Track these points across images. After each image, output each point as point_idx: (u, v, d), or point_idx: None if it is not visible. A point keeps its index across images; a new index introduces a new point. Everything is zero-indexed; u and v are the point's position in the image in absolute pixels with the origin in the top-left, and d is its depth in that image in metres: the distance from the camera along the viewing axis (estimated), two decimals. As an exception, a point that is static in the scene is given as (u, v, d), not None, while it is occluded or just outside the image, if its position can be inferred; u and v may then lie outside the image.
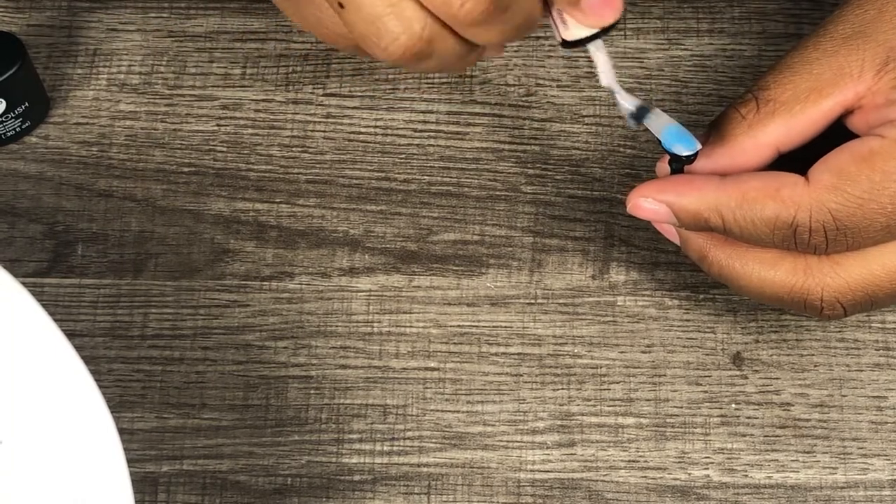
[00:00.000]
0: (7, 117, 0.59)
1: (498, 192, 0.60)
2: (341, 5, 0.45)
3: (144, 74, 0.62)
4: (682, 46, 0.63)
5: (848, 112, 0.50)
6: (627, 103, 0.51)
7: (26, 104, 0.59)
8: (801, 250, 0.49)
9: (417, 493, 0.54)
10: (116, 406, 0.56)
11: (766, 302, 0.53)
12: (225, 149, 0.61)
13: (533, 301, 0.58)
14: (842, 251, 0.49)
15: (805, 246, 0.49)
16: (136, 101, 0.62)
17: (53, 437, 0.46)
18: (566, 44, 0.48)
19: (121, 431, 0.55)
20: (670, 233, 0.52)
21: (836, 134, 0.50)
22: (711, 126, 0.51)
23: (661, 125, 0.50)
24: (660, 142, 0.50)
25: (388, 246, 0.59)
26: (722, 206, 0.49)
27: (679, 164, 0.51)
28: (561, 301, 0.57)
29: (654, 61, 0.62)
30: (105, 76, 0.62)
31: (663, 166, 0.52)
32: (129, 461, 0.54)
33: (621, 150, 0.61)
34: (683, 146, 0.50)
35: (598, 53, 0.49)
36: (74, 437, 0.45)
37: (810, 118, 0.50)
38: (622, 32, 0.63)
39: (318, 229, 0.59)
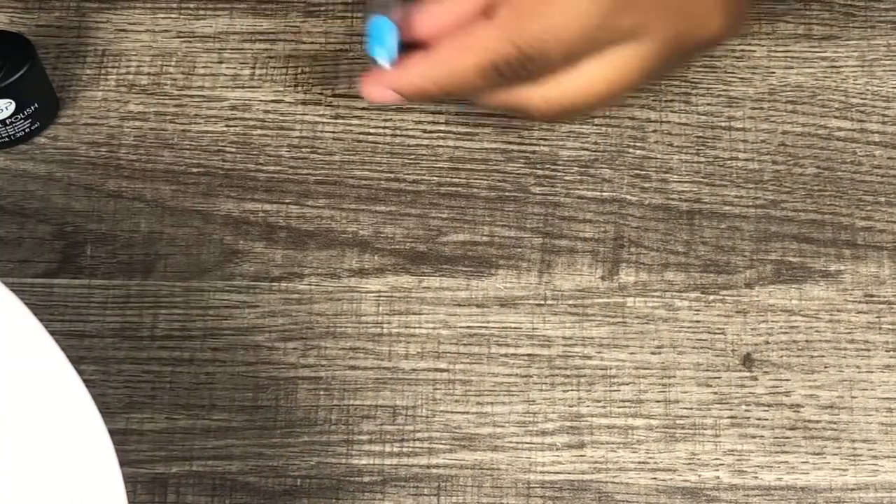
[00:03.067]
0: (16, 118, 0.59)
1: (507, 193, 0.60)
2: None
3: (153, 75, 0.62)
4: (692, 47, 0.63)
5: None
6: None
7: (36, 105, 0.59)
8: (507, 84, 0.55)
9: (427, 495, 0.54)
10: (126, 407, 0.56)
11: (493, 108, 0.59)
12: (234, 149, 0.60)
13: (542, 302, 0.58)
14: (535, 78, 0.55)
15: (508, 79, 0.55)
16: (145, 101, 0.62)
17: (43, 438, 0.46)
18: None
19: (130, 432, 0.55)
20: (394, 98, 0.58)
21: None
22: None
23: (377, 24, 0.56)
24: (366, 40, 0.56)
25: (397, 247, 0.59)
26: (436, 78, 0.55)
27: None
28: (570, 302, 0.57)
29: (663, 62, 0.62)
30: (114, 77, 0.62)
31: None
32: (139, 462, 0.54)
33: (630, 150, 0.61)
34: (384, 55, 0.56)
35: None
36: (64, 437, 0.45)
37: None
38: (632, 33, 0.63)
39: (327, 230, 0.59)
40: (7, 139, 0.60)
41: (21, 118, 0.59)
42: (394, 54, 0.56)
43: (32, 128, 0.60)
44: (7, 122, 0.59)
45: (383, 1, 0.55)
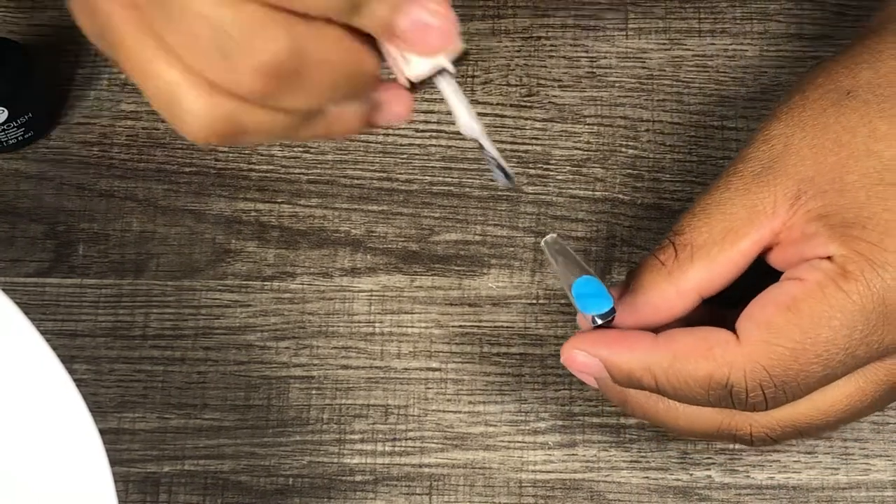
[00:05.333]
0: (9, 125, 0.59)
1: (500, 193, 0.60)
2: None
3: (146, 74, 0.62)
4: (684, 46, 0.63)
5: (767, 249, 0.48)
6: (498, 158, 0.45)
7: (30, 115, 0.59)
8: (740, 409, 0.47)
9: (419, 494, 0.54)
10: (118, 406, 0.56)
11: (695, 437, 0.52)
12: (226, 149, 0.60)
13: (535, 301, 0.58)
14: (781, 406, 0.47)
15: (744, 405, 0.47)
16: (137, 100, 0.62)
17: (33, 437, 0.45)
18: (411, 86, 0.43)
19: (122, 432, 0.55)
20: (588, 379, 0.50)
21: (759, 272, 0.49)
22: (631, 275, 0.49)
23: (570, 276, 0.48)
24: (570, 297, 0.48)
25: (389, 246, 0.59)
26: (654, 365, 0.47)
27: (601, 324, 0.49)
28: (563, 301, 0.57)
29: (655, 61, 0.62)
30: (106, 76, 0.62)
31: (584, 320, 0.49)
32: (131, 461, 0.54)
33: (623, 150, 0.61)
34: (597, 308, 0.48)
35: (449, 90, 0.43)
36: (55, 436, 0.45)
37: (729, 259, 0.48)
38: (624, 32, 0.63)
39: (319, 229, 0.59)
40: (-1, 144, 0.60)
41: (14, 126, 0.59)
42: (611, 306, 0.48)
43: (26, 136, 0.60)
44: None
45: (562, 248, 0.49)
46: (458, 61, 0.42)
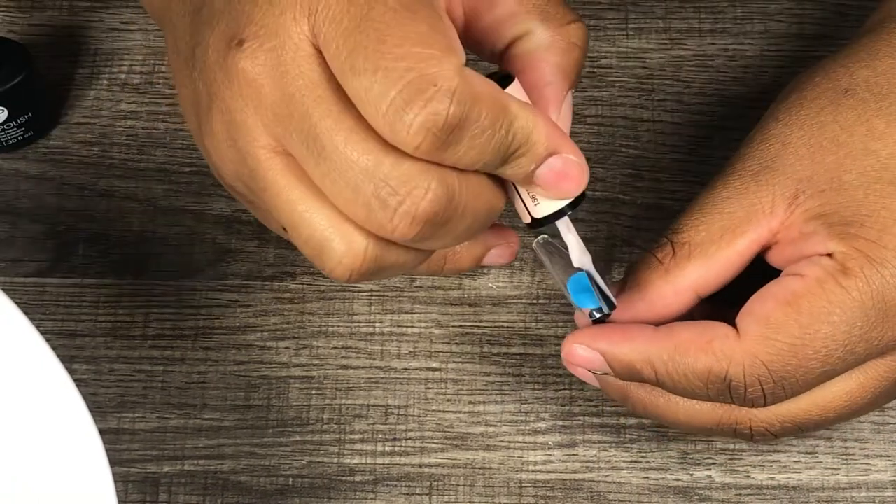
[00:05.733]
0: (9, 125, 0.59)
1: (500, 193, 0.60)
2: (285, 228, 0.44)
3: (146, 74, 0.62)
4: (685, 46, 0.63)
5: (765, 248, 0.48)
6: (605, 288, 0.48)
7: (30, 115, 0.59)
8: (739, 404, 0.47)
9: (419, 494, 0.54)
10: (117, 406, 0.55)
11: (695, 432, 0.52)
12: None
13: (535, 301, 0.58)
14: (780, 402, 0.47)
15: (742, 400, 0.47)
16: (137, 100, 0.62)
17: (33, 437, 0.45)
18: (534, 223, 0.47)
19: (122, 432, 0.55)
20: (587, 376, 0.50)
21: (757, 270, 0.49)
22: (629, 273, 0.50)
23: (565, 274, 0.49)
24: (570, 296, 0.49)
25: (389, 246, 0.59)
26: (654, 357, 0.47)
27: (598, 318, 0.49)
28: (563, 301, 0.57)
29: (656, 61, 0.62)
30: (106, 76, 0.62)
31: (582, 317, 0.49)
32: (130, 461, 0.54)
33: (623, 149, 0.61)
34: (594, 303, 0.48)
35: (567, 230, 0.48)
36: (55, 436, 0.45)
37: (727, 259, 0.48)
38: (624, 32, 0.63)
39: (319, 229, 0.59)
40: (-1, 144, 0.60)
41: (14, 126, 0.59)
42: (605, 301, 0.49)
43: (25, 136, 0.60)
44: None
45: (555, 248, 0.50)
46: (577, 203, 0.46)
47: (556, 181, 0.45)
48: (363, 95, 0.41)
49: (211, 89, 0.44)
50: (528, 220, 0.47)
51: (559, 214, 0.46)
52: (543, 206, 0.46)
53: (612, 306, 0.48)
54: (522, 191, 0.46)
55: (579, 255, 0.48)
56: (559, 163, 0.44)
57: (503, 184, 0.45)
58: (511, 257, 0.51)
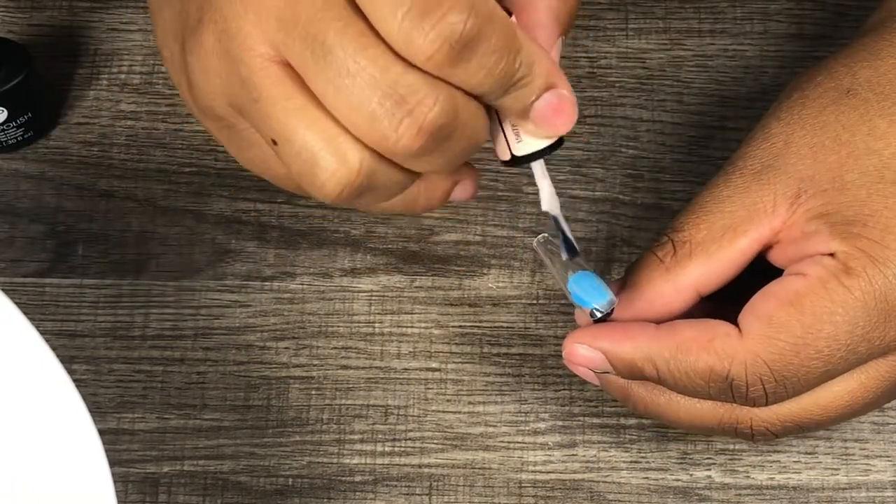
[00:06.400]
0: (9, 126, 0.59)
1: (500, 193, 0.60)
2: (275, 142, 0.44)
3: (145, 74, 0.62)
4: (684, 47, 0.63)
5: (766, 248, 0.48)
6: (569, 235, 0.49)
7: (29, 115, 0.59)
8: (740, 403, 0.47)
9: (419, 494, 0.54)
10: (117, 406, 0.55)
11: (696, 432, 0.52)
12: (226, 149, 0.60)
13: (535, 301, 0.58)
14: (781, 401, 0.47)
15: (744, 399, 0.47)
16: (137, 101, 0.62)
17: (33, 438, 0.45)
18: (511, 161, 0.47)
19: (121, 432, 0.55)
20: (588, 375, 0.50)
21: (758, 269, 0.49)
22: (629, 271, 0.50)
23: (565, 273, 0.49)
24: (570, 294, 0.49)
25: (389, 246, 0.59)
26: (656, 355, 0.47)
27: (599, 317, 0.49)
28: (563, 301, 0.57)
29: (655, 61, 0.62)
30: (106, 76, 0.62)
31: (583, 316, 0.49)
32: (130, 462, 0.54)
33: (623, 150, 0.61)
34: (595, 301, 0.48)
35: (542, 173, 0.48)
36: (54, 437, 0.45)
37: (728, 257, 0.48)
38: (624, 32, 0.63)
39: (319, 229, 0.59)
40: (-1, 144, 0.60)
41: (14, 126, 0.59)
42: (609, 299, 0.49)
43: (25, 136, 0.60)
44: (-1, 127, 0.59)
45: (555, 247, 0.50)
46: (556, 146, 0.46)
47: (551, 115, 0.45)
48: (378, 2, 0.41)
49: (204, 2, 0.44)
50: (507, 156, 0.47)
51: (539, 154, 0.46)
52: (526, 144, 0.46)
53: (574, 253, 0.48)
54: (507, 126, 0.46)
55: (549, 198, 0.48)
56: (555, 98, 0.45)
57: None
58: (474, 192, 0.51)
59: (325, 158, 0.43)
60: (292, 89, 0.43)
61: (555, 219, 0.48)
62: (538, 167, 0.47)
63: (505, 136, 0.46)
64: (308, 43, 0.42)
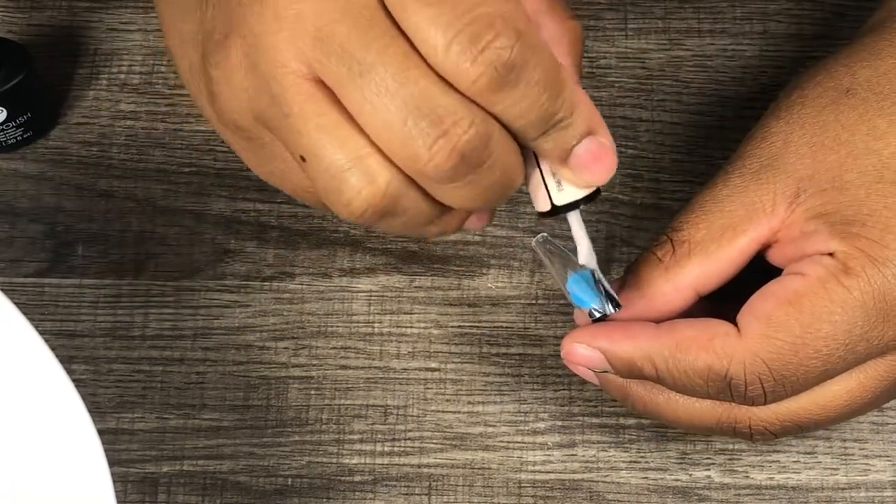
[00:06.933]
0: (9, 125, 0.59)
1: (499, 193, 0.60)
2: (303, 158, 0.43)
3: (145, 74, 0.62)
4: (684, 47, 0.63)
5: (765, 247, 0.48)
6: (609, 288, 0.48)
7: (29, 115, 0.59)
8: (739, 402, 0.47)
9: (418, 494, 0.54)
10: (116, 406, 0.55)
11: (695, 431, 0.52)
12: (225, 149, 0.60)
13: (534, 301, 0.58)
14: (780, 401, 0.47)
15: (742, 398, 0.47)
16: (136, 100, 0.62)
17: (32, 437, 0.45)
18: (549, 212, 0.46)
19: (121, 432, 0.55)
20: (587, 375, 0.50)
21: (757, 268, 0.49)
22: (628, 271, 0.50)
23: (564, 273, 0.49)
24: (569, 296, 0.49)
25: (388, 246, 0.59)
26: (655, 354, 0.47)
27: (598, 317, 0.49)
28: (562, 301, 0.57)
29: (655, 61, 0.62)
30: (105, 76, 0.62)
31: (581, 315, 0.49)
32: (129, 462, 0.54)
33: (622, 150, 0.61)
34: (594, 302, 0.48)
35: (579, 225, 0.47)
36: (53, 437, 0.45)
37: (727, 257, 0.48)
38: (623, 32, 0.63)
39: (319, 229, 0.59)
40: (-2, 143, 0.60)
41: (13, 126, 0.59)
42: (609, 301, 0.48)
43: (24, 136, 0.60)
44: (-2, 127, 0.59)
45: (554, 247, 0.49)
46: (594, 196, 0.45)
47: (591, 163, 0.44)
48: (424, 24, 0.41)
49: (231, 17, 0.44)
50: (546, 206, 0.46)
51: (576, 205, 0.45)
52: (567, 193, 0.45)
53: (617, 306, 0.48)
54: (547, 172, 0.45)
55: (587, 253, 0.47)
56: (596, 145, 0.44)
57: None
58: (488, 221, 0.50)
59: (353, 176, 0.43)
60: (325, 106, 0.43)
61: (593, 273, 0.48)
62: (575, 219, 0.47)
63: (545, 182, 0.45)
64: (346, 60, 0.42)
